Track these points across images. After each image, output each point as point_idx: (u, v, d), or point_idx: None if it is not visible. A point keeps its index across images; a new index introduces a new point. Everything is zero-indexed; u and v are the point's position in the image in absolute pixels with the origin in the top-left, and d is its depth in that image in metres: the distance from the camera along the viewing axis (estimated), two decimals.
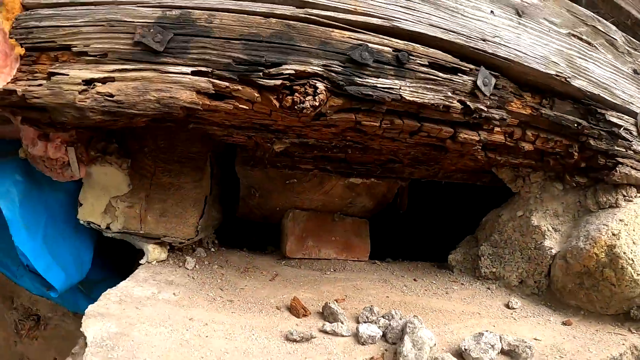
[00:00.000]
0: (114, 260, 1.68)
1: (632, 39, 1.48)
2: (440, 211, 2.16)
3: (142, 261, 1.33)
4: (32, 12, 1.03)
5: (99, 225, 1.31)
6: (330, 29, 1.00)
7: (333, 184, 1.55)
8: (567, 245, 1.32)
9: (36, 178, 1.37)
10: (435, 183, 1.66)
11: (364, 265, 1.64)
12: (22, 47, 1.02)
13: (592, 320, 1.29)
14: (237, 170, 1.46)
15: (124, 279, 1.71)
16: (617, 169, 1.31)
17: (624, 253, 1.21)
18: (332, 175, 1.50)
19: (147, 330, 1.00)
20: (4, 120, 1.38)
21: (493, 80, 1.14)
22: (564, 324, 1.26)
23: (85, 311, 1.05)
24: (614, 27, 1.44)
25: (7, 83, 1.02)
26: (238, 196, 1.59)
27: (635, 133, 1.36)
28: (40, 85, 0.99)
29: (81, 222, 1.31)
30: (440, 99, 1.07)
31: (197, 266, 1.37)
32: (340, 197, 1.60)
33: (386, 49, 1.03)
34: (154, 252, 1.31)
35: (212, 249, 1.54)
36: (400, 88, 1.02)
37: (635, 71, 1.44)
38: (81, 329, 0.98)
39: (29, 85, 1.00)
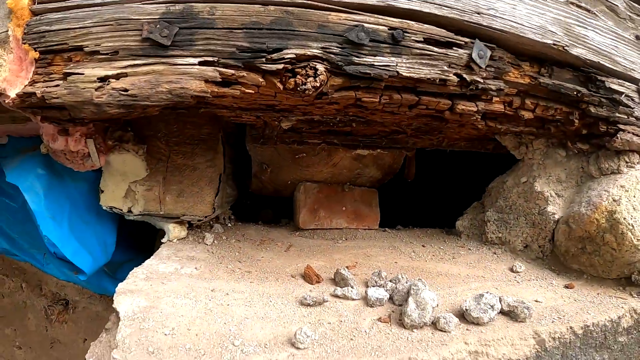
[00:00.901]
0: (135, 241, 1.85)
1: (634, 4, 1.53)
2: (448, 179, 2.27)
3: (163, 240, 1.48)
4: (42, 17, 1.15)
5: (121, 210, 1.46)
6: (327, 12, 1.10)
7: (341, 156, 1.68)
8: (570, 210, 1.43)
9: (57, 170, 1.53)
10: (441, 151, 1.77)
11: (374, 233, 1.77)
12: (35, 51, 1.14)
13: (594, 284, 1.39)
14: (248, 148, 1.60)
15: (146, 258, 1.89)
16: (619, 135, 1.40)
17: (624, 219, 1.31)
18: (339, 148, 1.63)
19: (174, 302, 1.14)
20: (21, 119, 1.54)
21: (488, 52, 1.24)
22: (566, 287, 1.36)
23: (116, 289, 1.18)
24: None
25: (25, 86, 1.15)
26: (250, 172, 1.73)
27: (637, 100, 1.43)
28: (57, 85, 1.12)
29: (104, 207, 1.47)
30: (437, 73, 1.17)
31: (215, 241, 1.53)
32: (348, 168, 1.73)
33: (381, 27, 1.13)
34: (174, 230, 1.47)
35: (229, 224, 1.70)
36: (396, 65, 1.13)
37: (637, 37, 1.51)
38: (113, 305, 1.11)
39: (47, 87, 1.13)
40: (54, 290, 1.97)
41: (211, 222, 1.63)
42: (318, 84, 1.07)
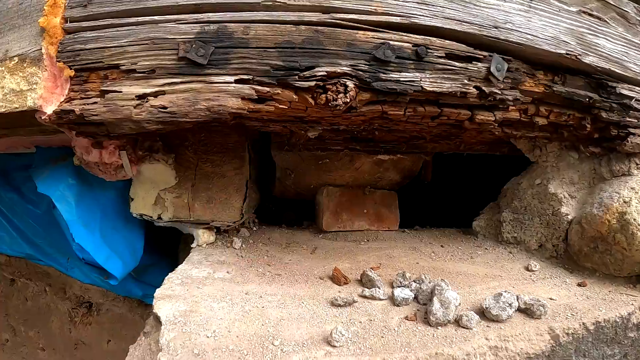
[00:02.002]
0: (159, 246, 1.98)
1: None
2: (464, 180, 2.40)
3: (193, 245, 1.60)
4: (76, 36, 1.24)
5: (151, 217, 1.57)
6: (355, 31, 1.21)
7: (362, 161, 1.80)
8: (582, 211, 1.55)
9: (86, 179, 1.64)
10: (458, 154, 1.90)
11: (395, 234, 1.91)
12: (71, 69, 1.23)
13: (606, 281, 1.50)
14: (273, 155, 1.72)
15: (170, 261, 2.01)
16: (629, 139, 1.51)
17: (634, 219, 1.42)
18: (360, 153, 1.75)
19: (211, 305, 1.24)
20: (51, 131, 1.63)
21: (505, 65, 1.35)
22: (579, 285, 1.48)
23: (154, 294, 1.27)
24: None
25: (61, 103, 1.24)
26: (273, 176, 1.86)
27: None
28: (95, 103, 1.21)
29: (134, 215, 1.58)
30: (457, 86, 1.29)
31: (243, 245, 1.65)
32: (369, 172, 1.85)
33: (406, 44, 1.24)
34: (203, 236, 1.59)
35: (254, 228, 1.82)
36: (420, 80, 1.24)
37: None
38: (154, 310, 1.20)
39: (85, 104, 1.21)
40: (78, 293, 2.09)
41: (237, 227, 1.75)
42: (348, 100, 1.18)
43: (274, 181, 1.88)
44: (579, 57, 1.44)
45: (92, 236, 1.60)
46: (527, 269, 1.57)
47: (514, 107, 1.43)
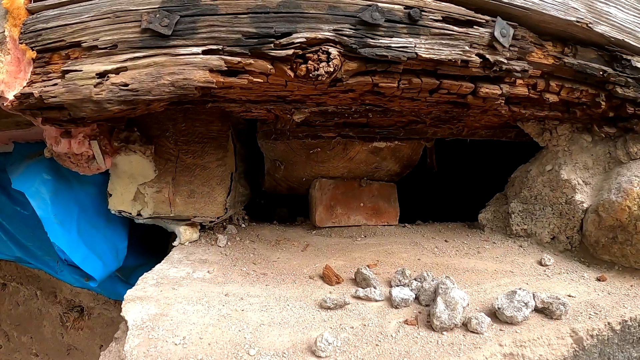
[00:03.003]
0: (148, 246, 1.73)
1: None
2: (468, 170, 2.12)
3: (174, 243, 1.36)
4: (38, 15, 1.04)
5: (130, 213, 1.33)
6: None
7: (357, 150, 1.54)
8: (599, 198, 1.28)
9: (64, 175, 1.41)
10: (461, 142, 1.63)
11: (394, 229, 1.64)
12: (33, 50, 1.03)
13: (626, 275, 1.24)
14: (260, 144, 1.47)
15: (159, 262, 1.76)
16: None
17: None
18: (355, 141, 1.49)
19: (185, 309, 1.02)
20: (25, 124, 1.42)
21: (511, 31, 1.09)
22: (598, 279, 1.22)
23: (125, 296, 1.08)
24: None
25: (24, 87, 1.04)
26: (259, 171, 1.59)
27: None
28: (55, 84, 1.01)
29: (112, 211, 1.34)
30: (458, 53, 1.03)
31: (229, 243, 1.40)
32: (365, 162, 1.59)
33: (397, 6, 1.00)
34: (185, 233, 1.34)
35: (243, 225, 1.57)
36: (415, 46, 0.99)
37: None
38: (122, 314, 1.01)
39: (45, 86, 1.01)
40: (69, 297, 1.85)
41: (224, 223, 1.49)
42: (331, 69, 0.93)
43: (264, 175, 1.61)
44: (590, 25, 1.18)
45: (69, 235, 1.36)
46: (540, 263, 1.29)
47: (521, 82, 1.17)
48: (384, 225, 1.64)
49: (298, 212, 1.81)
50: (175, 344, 0.90)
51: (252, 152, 1.60)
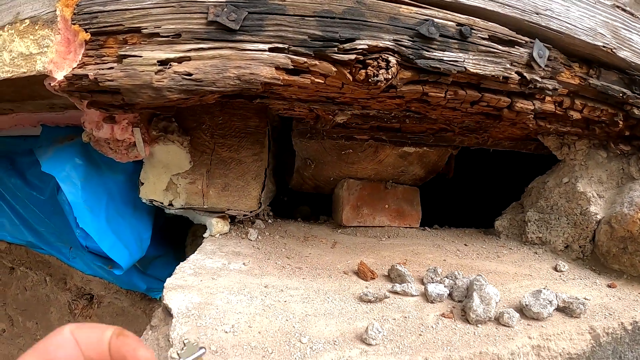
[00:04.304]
0: (166, 237, 1.75)
1: None
2: (484, 179, 2.21)
3: (205, 235, 1.38)
4: None
5: (162, 203, 1.36)
6: (398, 5, 1.04)
7: (387, 153, 1.60)
8: (612, 210, 1.39)
9: (94, 161, 1.42)
10: (479, 151, 1.72)
11: (416, 231, 1.71)
12: (86, 32, 1.03)
13: (634, 283, 1.35)
14: (294, 142, 1.52)
15: (178, 253, 1.78)
16: None
17: None
18: (386, 144, 1.55)
19: (228, 298, 1.05)
20: (60, 107, 1.42)
21: (547, 52, 1.19)
22: (608, 286, 1.32)
23: (165, 284, 1.08)
24: None
25: (74, 68, 1.04)
26: (290, 168, 1.65)
27: None
28: (111, 68, 1.02)
29: (143, 200, 1.36)
30: (500, 70, 1.12)
31: (259, 237, 1.44)
32: (392, 165, 1.65)
33: (450, 23, 1.08)
34: (217, 225, 1.37)
35: (269, 220, 1.61)
36: (464, 61, 1.07)
37: None
38: (164, 302, 1.02)
39: (100, 69, 1.02)
40: (79, 284, 1.84)
41: (252, 218, 1.53)
42: (390, 76, 1.01)
43: (291, 173, 1.66)
44: (614, 50, 1.29)
45: (97, 222, 1.37)
46: (555, 269, 1.40)
47: (550, 99, 1.27)
48: (406, 228, 1.72)
49: (319, 211, 1.87)
50: (226, 332, 0.93)
51: (281, 150, 1.65)
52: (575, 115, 1.32)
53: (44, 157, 1.40)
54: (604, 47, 1.27)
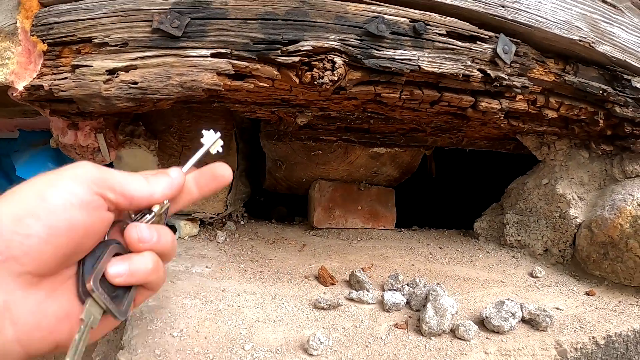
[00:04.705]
0: None
1: None
2: (466, 179, 2.16)
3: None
4: (51, 9, 1.07)
5: None
6: (345, 3, 1.01)
7: (357, 154, 1.58)
8: (592, 214, 1.32)
9: (66, 164, 1.45)
10: (460, 151, 1.67)
11: (390, 233, 1.67)
12: (44, 43, 1.06)
13: (615, 291, 1.28)
14: (262, 144, 1.51)
15: None
16: None
17: None
18: (355, 145, 1.53)
19: (183, 302, 1.06)
20: (32, 113, 1.46)
21: (513, 48, 1.13)
22: (587, 294, 1.26)
23: None
24: None
25: (33, 79, 1.07)
26: (264, 169, 1.65)
27: None
28: (65, 78, 1.04)
29: None
30: (460, 68, 1.07)
31: (227, 239, 1.44)
32: (364, 166, 1.63)
33: (402, 19, 1.03)
34: (185, 227, 1.38)
35: (242, 222, 1.61)
36: (418, 59, 1.03)
37: None
38: None
39: (55, 79, 1.04)
40: None
41: (224, 220, 1.54)
42: (336, 78, 0.98)
43: (264, 174, 1.66)
44: (592, 44, 1.22)
45: None
46: (531, 275, 1.34)
47: (522, 97, 1.21)
48: (381, 230, 1.68)
49: (296, 211, 1.86)
50: (173, 336, 0.94)
51: (254, 151, 1.64)
52: (551, 114, 1.26)
53: (20, 162, 1.44)
54: (580, 41, 1.20)
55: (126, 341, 0.92)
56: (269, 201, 1.92)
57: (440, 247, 1.53)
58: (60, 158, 1.42)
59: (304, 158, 1.56)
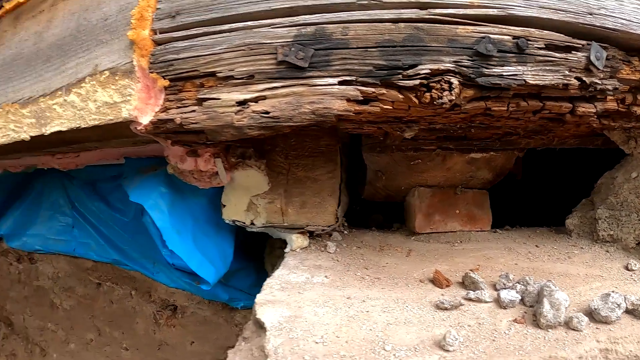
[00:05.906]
0: (245, 250, 1.91)
1: None
2: (553, 176, 2.22)
3: (286, 250, 1.52)
4: (167, 46, 1.19)
5: (244, 222, 1.51)
6: (454, 26, 1.12)
7: (455, 161, 1.68)
8: None
9: (178, 187, 1.60)
10: (546, 150, 1.76)
11: (487, 235, 1.77)
12: (165, 79, 1.17)
13: None
14: (364, 157, 1.63)
15: (256, 266, 1.93)
16: None
17: None
18: (453, 152, 1.63)
19: (315, 311, 1.15)
20: (142, 142, 1.59)
21: (604, 53, 1.22)
22: None
23: (255, 300, 1.19)
24: None
25: (157, 113, 1.19)
26: (362, 179, 1.76)
27: None
28: (193, 111, 1.15)
29: (226, 221, 1.52)
30: (559, 78, 1.17)
31: (337, 249, 1.56)
32: (461, 172, 1.73)
33: (506, 37, 1.14)
34: (297, 240, 1.51)
35: (345, 232, 1.73)
36: (523, 73, 1.13)
37: None
38: (256, 316, 1.13)
39: (183, 113, 1.16)
40: (164, 296, 2.05)
41: (330, 231, 1.65)
42: (454, 97, 1.09)
43: (363, 184, 1.78)
44: None
45: (185, 243, 1.54)
46: (626, 268, 1.42)
47: (612, 97, 1.30)
48: (478, 231, 1.78)
49: (391, 218, 1.97)
50: (316, 342, 1.03)
51: (351, 163, 1.77)
52: (639, 110, 1.33)
53: (131, 188, 1.58)
54: None
55: (271, 350, 1.01)
56: (364, 210, 2.03)
57: (536, 246, 1.63)
58: (171, 182, 1.56)
59: (404, 167, 1.68)
